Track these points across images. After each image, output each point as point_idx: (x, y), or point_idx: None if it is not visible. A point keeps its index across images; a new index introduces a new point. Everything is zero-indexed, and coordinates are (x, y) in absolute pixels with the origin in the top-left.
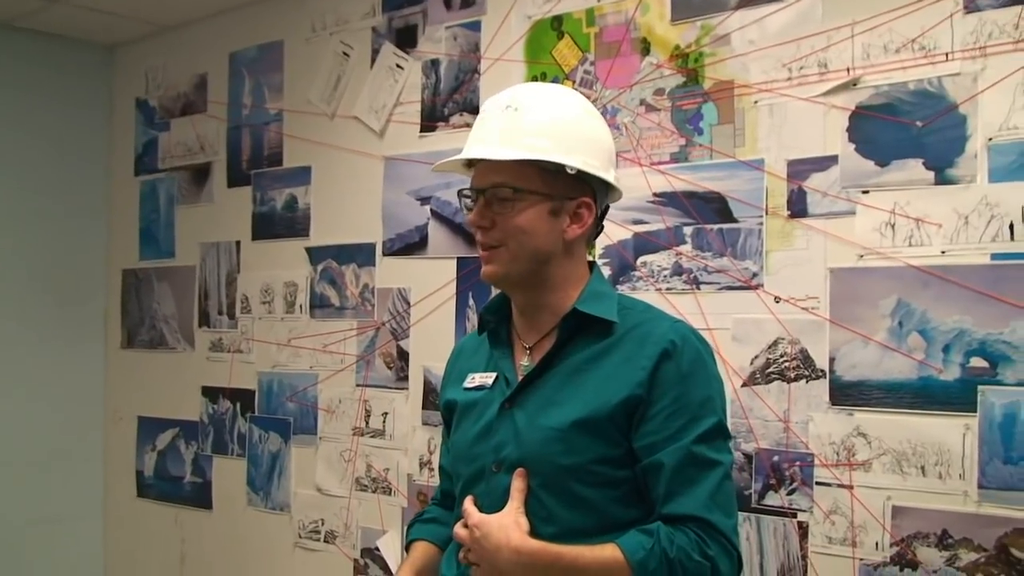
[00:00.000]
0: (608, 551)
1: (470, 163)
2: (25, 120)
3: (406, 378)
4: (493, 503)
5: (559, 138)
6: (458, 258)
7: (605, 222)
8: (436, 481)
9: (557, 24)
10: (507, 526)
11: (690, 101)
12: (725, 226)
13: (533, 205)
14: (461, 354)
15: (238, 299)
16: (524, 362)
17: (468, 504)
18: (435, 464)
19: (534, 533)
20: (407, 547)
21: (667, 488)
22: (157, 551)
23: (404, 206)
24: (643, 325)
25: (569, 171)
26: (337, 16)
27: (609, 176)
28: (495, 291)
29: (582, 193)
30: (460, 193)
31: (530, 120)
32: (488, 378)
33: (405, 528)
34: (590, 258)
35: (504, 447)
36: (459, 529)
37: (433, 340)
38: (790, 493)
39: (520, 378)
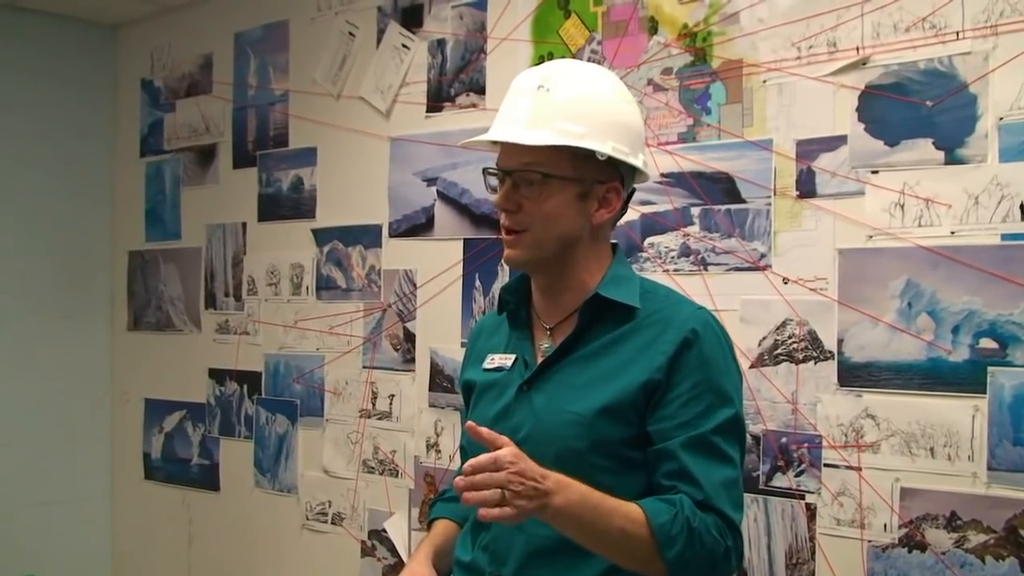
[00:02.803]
0: (632, 508)
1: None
2: (29, 102)
3: (413, 360)
4: None
5: (590, 122)
6: (464, 239)
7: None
8: (443, 463)
9: (564, 3)
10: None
11: (698, 80)
12: (733, 207)
13: (562, 190)
14: (481, 334)
15: (244, 281)
16: (544, 344)
17: (489, 434)
18: (442, 446)
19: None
20: (428, 525)
21: (684, 472)
22: (165, 533)
23: (410, 187)
24: (665, 310)
25: (600, 157)
26: None
27: (638, 161)
28: (510, 271)
29: (611, 178)
30: (486, 171)
31: (561, 102)
32: (507, 359)
33: (417, 515)
34: (613, 240)
35: (521, 429)
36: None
37: (439, 322)
38: (798, 475)
39: (539, 360)
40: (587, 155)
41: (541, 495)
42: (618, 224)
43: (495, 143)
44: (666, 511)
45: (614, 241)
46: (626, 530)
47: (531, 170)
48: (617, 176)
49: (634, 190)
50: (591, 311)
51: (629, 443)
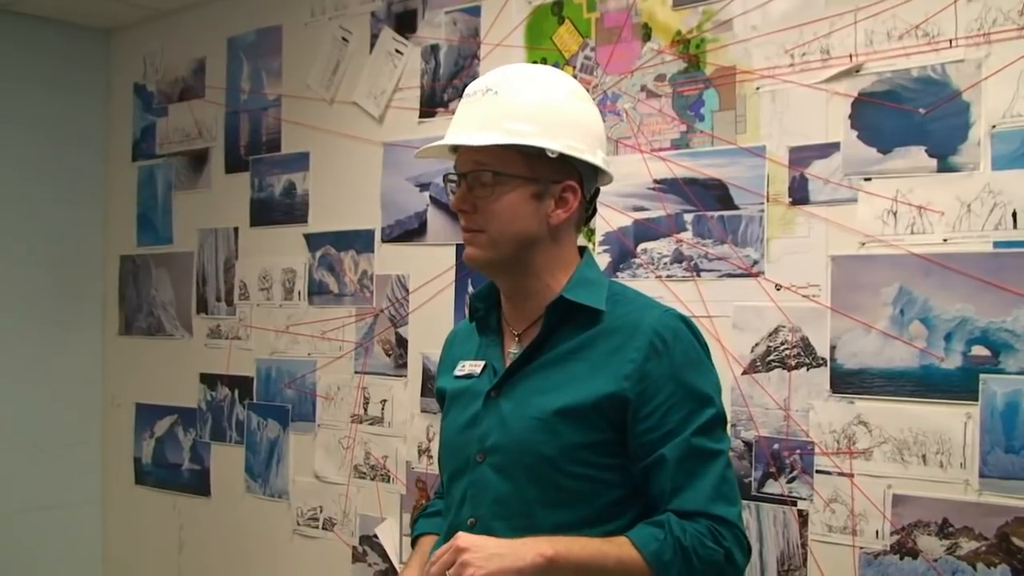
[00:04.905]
0: (622, 545)
1: (456, 147)
2: (21, 106)
3: (405, 365)
4: (477, 495)
5: (540, 121)
6: (457, 245)
7: (605, 209)
8: (434, 468)
9: (558, 9)
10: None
11: (691, 87)
12: (726, 213)
13: (515, 189)
14: (454, 341)
15: (236, 285)
16: (513, 349)
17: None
18: (433, 451)
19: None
20: (413, 542)
21: (671, 484)
22: (155, 538)
23: (403, 192)
24: (632, 314)
25: (550, 155)
26: (336, 1)
27: (595, 159)
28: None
29: (567, 176)
30: (446, 178)
31: (510, 103)
32: (477, 366)
33: (408, 520)
34: (583, 243)
35: (489, 436)
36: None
37: (432, 327)
38: (790, 481)
39: (507, 366)
40: (540, 154)
41: (527, 550)
42: (611, 231)
43: (455, 152)
44: (655, 538)
45: (583, 245)
46: (623, 562)
47: (482, 170)
48: (575, 175)
49: (598, 190)
50: (557, 314)
51: (598, 449)
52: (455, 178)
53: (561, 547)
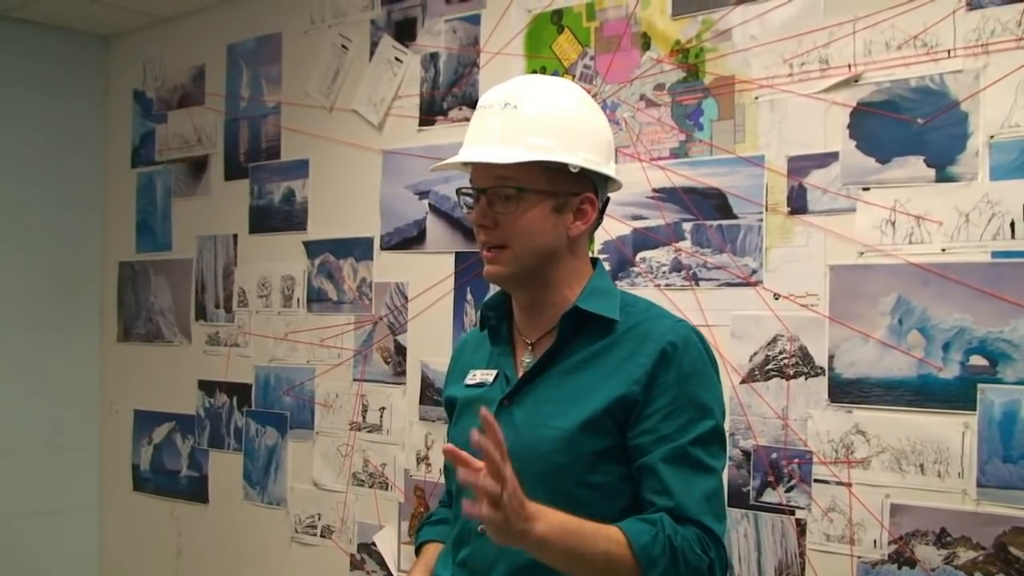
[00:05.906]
0: (612, 530)
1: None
2: (20, 112)
3: (403, 373)
4: None
5: (560, 135)
6: (456, 253)
7: (604, 217)
8: (433, 476)
9: (557, 18)
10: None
11: (690, 96)
12: (725, 222)
13: (537, 204)
14: (464, 350)
15: (235, 292)
16: (526, 359)
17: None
18: (432, 459)
19: None
20: (417, 550)
21: (665, 487)
22: (153, 545)
23: (402, 200)
24: (644, 323)
25: (572, 169)
26: (335, 8)
27: (610, 170)
28: (494, 287)
29: (585, 188)
30: (459, 191)
31: (530, 117)
32: (489, 375)
33: (407, 528)
34: (593, 255)
35: None
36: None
37: (431, 335)
38: (788, 490)
39: (520, 375)
40: (559, 168)
41: (524, 518)
42: (610, 239)
43: (467, 165)
44: (647, 532)
45: (595, 256)
46: (609, 553)
47: (505, 186)
48: (590, 186)
49: (608, 199)
50: (571, 324)
51: (605, 455)
52: (471, 192)
53: (556, 524)
